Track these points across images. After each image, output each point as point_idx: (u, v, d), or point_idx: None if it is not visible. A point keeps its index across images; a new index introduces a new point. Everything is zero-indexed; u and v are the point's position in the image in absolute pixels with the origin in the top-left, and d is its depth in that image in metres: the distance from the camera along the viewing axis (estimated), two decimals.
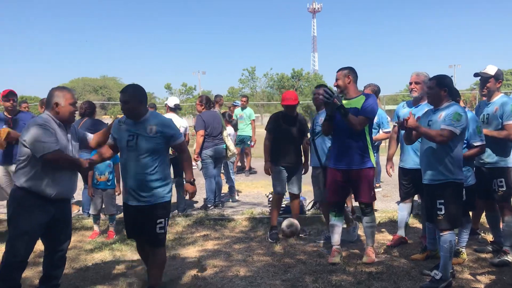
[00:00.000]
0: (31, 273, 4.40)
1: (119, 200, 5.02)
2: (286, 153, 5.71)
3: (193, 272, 4.51)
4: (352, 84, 4.69)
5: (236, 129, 9.96)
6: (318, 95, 5.20)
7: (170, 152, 5.04)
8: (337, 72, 4.72)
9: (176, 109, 7.44)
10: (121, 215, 4.30)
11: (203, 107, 7.49)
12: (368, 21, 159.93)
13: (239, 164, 11.19)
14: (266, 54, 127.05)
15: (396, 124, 4.88)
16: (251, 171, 11.14)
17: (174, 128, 3.80)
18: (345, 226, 5.29)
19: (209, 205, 7.27)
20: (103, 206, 5.96)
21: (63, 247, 3.85)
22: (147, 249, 3.88)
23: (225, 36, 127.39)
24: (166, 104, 7.78)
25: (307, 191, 6.73)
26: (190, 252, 5.19)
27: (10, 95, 5.96)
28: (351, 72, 4.69)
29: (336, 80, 4.71)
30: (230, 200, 7.87)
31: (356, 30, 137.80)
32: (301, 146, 5.88)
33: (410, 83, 4.99)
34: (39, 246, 3.86)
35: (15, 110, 6.08)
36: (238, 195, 8.30)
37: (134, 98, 3.70)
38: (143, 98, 3.77)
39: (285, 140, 5.70)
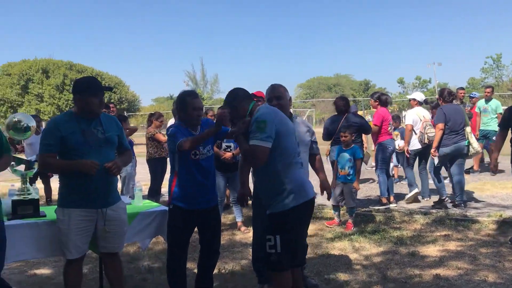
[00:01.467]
0: None
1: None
2: None
3: (435, 271, 4.35)
4: None
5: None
6: None
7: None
8: None
9: (423, 103, 7.43)
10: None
11: (441, 101, 7.15)
12: None
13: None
14: None
15: None
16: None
17: None
18: None
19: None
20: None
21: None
22: None
23: (463, 22, 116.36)
24: (413, 99, 7.74)
25: None
26: (430, 250, 5.01)
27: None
28: None
29: None
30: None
31: None
32: None
33: None
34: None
35: None
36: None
37: None
38: None
39: None
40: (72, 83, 3.91)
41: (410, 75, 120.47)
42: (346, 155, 6.23)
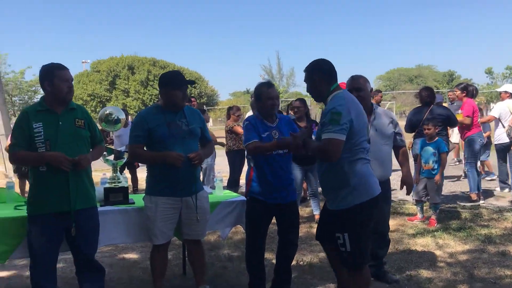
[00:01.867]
0: None
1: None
2: None
3: None
4: None
5: None
6: None
7: None
8: None
9: None
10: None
11: None
12: None
13: None
14: None
15: None
16: None
17: None
18: None
19: None
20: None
21: (384, 229, 4.10)
22: None
23: None
24: (504, 91, 7.30)
25: None
26: None
27: None
28: None
29: None
30: None
31: None
32: None
33: None
34: None
35: None
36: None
37: None
38: None
39: None
40: (158, 78, 4.12)
41: (500, 64, 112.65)
42: (430, 149, 5.96)
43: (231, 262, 4.73)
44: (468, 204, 6.73)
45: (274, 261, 4.04)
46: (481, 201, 6.87)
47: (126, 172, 8.20)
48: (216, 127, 35.99)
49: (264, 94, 3.67)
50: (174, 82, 3.45)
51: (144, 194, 3.58)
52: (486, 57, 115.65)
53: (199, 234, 3.64)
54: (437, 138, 5.99)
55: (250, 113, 7.43)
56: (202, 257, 3.76)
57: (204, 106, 33.16)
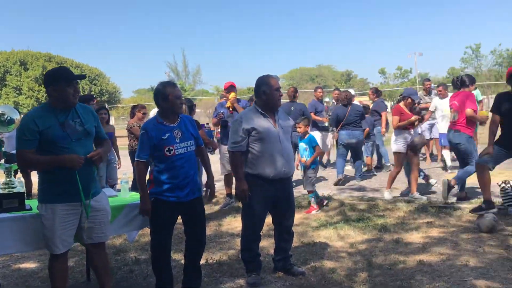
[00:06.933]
0: (268, 244, 4.95)
1: None
2: None
3: (418, 257, 4.45)
4: None
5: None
6: None
7: None
8: None
9: None
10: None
11: None
12: None
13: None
14: (494, 29, 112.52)
15: None
16: None
17: None
18: None
19: None
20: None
21: (288, 224, 4.22)
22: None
23: (444, 12, 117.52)
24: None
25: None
26: (414, 237, 5.11)
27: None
28: None
29: None
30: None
31: None
32: None
33: None
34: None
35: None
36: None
37: None
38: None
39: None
40: (43, 76, 3.85)
41: (392, 65, 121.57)
42: (303, 145, 6.75)
43: (139, 265, 4.61)
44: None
45: (183, 261, 4.00)
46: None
47: (20, 175, 7.63)
48: (119, 126, 34.76)
49: (172, 94, 3.64)
50: (63, 78, 3.24)
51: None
52: (379, 58, 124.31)
53: (102, 237, 3.47)
54: (308, 135, 6.77)
55: (155, 110, 7.27)
56: (106, 261, 3.61)
57: (106, 104, 31.85)
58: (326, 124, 9.76)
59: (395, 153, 7.10)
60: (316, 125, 9.92)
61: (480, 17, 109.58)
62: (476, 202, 6.27)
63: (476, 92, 10.34)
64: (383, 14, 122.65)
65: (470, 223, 5.52)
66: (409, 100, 7.19)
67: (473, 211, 5.50)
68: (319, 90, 10.43)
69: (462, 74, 7.04)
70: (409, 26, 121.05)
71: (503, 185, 6.13)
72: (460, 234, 5.14)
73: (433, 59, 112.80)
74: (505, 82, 5.66)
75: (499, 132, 5.49)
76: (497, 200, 6.13)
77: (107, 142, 3.66)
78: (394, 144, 7.06)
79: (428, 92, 10.53)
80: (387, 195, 7.14)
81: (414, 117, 7.09)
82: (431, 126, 10.07)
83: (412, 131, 7.07)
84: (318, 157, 6.85)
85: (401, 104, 7.19)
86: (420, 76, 50.37)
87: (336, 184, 8.59)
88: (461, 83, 6.69)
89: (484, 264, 4.18)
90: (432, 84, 11.39)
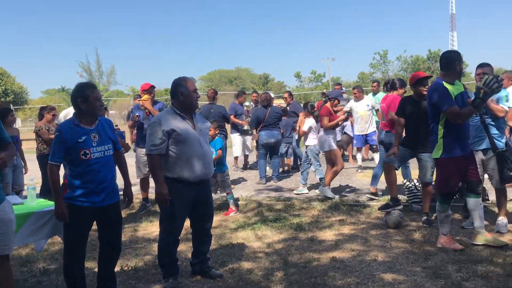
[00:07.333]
0: (185, 248, 4.91)
1: None
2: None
3: (331, 254, 4.64)
4: None
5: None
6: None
7: None
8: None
9: None
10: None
11: None
12: None
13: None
14: (400, 36, 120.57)
15: None
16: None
17: None
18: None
19: None
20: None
21: (207, 226, 4.22)
22: None
23: (355, 20, 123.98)
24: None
25: None
26: (327, 235, 5.33)
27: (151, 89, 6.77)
28: None
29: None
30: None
31: (501, 4, 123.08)
32: None
33: None
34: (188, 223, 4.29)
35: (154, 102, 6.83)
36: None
37: None
38: None
39: (417, 124, 5.59)
40: None
41: (306, 69, 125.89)
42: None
43: (48, 276, 4.36)
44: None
45: (96, 269, 3.84)
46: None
47: None
48: (26, 128, 32.66)
49: (92, 95, 3.53)
50: None
51: None
52: (295, 62, 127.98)
53: (5, 249, 3.20)
54: (216, 137, 6.83)
55: (65, 112, 6.92)
56: (10, 275, 3.35)
57: (11, 105, 29.81)
58: (246, 128, 9.87)
59: (330, 151, 7.30)
60: (236, 128, 10.01)
61: (387, 25, 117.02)
62: (384, 199, 6.66)
63: (382, 96, 11.00)
64: (300, 18, 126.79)
65: (379, 220, 5.85)
66: (336, 101, 7.57)
67: (380, 208, 5.84)
68: (244, 96, 10.74)
69: (393, 78, 7.51)
70: (324, 32, 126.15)
71: (407, 183, 6.58)
72: (370, 231, 5.43)
73: (344, 64, 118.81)
74: (409, 86, 6.06)
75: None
76: (403, 197, 6.55)
77: (11, 146, 3.42)
78: (326, 143, 7.29)
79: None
80: (328, 192, 7.27)
81: (342, 117, 7.48)
82: (343, 127, 10.54)
83: (337, 130, 7.40)
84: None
85: (328, 105, 7.47)
86: (332, 80, 52.58)
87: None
88: (391, 86, 7.09)
89: (391, 258, 4.46)
90: (343, 88, 11.96)
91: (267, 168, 9.94)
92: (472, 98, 4.55)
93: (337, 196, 7.22)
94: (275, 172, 9.21)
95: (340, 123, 7.55)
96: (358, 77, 63.49)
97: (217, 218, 6.09)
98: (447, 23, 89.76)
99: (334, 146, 7.33)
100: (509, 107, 6.55)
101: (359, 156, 9.91)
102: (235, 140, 10.27)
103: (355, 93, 9.74)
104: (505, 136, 5.24)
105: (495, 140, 4.95)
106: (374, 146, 9.49)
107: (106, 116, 4.52)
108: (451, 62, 4.63)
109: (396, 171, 5.84)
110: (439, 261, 4.32)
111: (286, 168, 10.21)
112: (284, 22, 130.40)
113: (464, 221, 5.44)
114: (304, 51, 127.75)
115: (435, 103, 4.55)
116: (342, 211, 6.41)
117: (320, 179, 7.82)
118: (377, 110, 9.79)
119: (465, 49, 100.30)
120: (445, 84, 4.54)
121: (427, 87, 5.54)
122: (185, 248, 4.89)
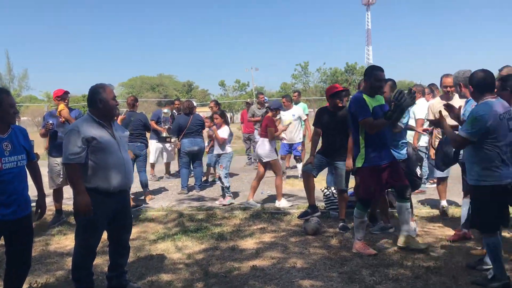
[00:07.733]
0: (101, 261, 4.70)
1: None
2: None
3: (252, 262, 4.66)
4: None
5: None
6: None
7: None
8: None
9: None
10: None
11: None
12: (425, 13, 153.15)
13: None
14: (320, 49, 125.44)
15: None
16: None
17: None
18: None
19: None
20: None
21: (125, 237, 4.07)
22: None
23: (278, 32, 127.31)
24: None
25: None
26: (248, 243, 5.35)
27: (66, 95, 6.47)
28: None
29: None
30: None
31: (412, 22, 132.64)
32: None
33: None
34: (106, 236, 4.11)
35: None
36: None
37: None
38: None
39: (333, 134, 5.83)
40: None
41: (231, 78, 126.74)
42: None
43: None
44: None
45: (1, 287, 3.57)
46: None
47: None
48: None
49: (5, 102, 3.33)
50: None
51: None
52: (219, 70, 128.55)
53: None
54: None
55: None
56: None
57: None
58: (164, 135, 9.68)
59: (273, 161, 7.34)
60: (157, 134, 9.82)
61: (308, 38, 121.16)
62: (303, 207, 6.82)
63: (304, 106, 11.33)
64: (224, 27, 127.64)
65: (298, 227, 5.98)
66: (278, 112, 7.76)
67: (300, 216, 5.97)
68: (177, 102, 11.02)
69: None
70: (248, 42, 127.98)
71: (325, 190, 6.80)
72: (289, 238, 5.54)
73: (268, 74, 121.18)
74: (325, 98, 6.28)
75: None
76: (321, 204, 6.76)
77: None
78: (270, 153, 7.33)
79: (262, 105, 11.20)
80: (283, 203, 7.28)
81: (284, 127, 7.83)
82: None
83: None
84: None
85: (270, 115, 7.54)
86: (256, 89, 53.32)
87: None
88: None
89: (309, 265, 4.57)
90: (266, 97, 12.16)
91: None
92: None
93: (258, 205, 7.30)
94: (197, 182, 9.12)
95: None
96: (280, 87, 64.99)
97: (135, 230, 5.90)
98: (364, 37, 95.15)
99: (275, 156, 7.44)
100: (417, 119, 7.04)
101: (283, 164, 10.08)
102: (151, 146, 10.05)
103: (283, 102, 9.93)
104: (407, 146, 5.58)
105: (393, 152, 5.20)
106: (297, 157, 9.73)
107: (17, 123, 4.25)
108: (368, 76, 4.87)
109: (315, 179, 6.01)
110: (354, 266, 4.49)
111: (210, 177, 10.15)
112: (209, 29, 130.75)
113: (372, 226, 5.73)
114: (228, 60, 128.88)
115: (353, 113, 4.79)
116: (263, 219, 6.47)
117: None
118: (304, 120, 10.09)
119: (380, 63, 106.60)
120: (364, 96, 4.78)
121: (345, 99, 5.83)
122: (101, 261, 4.68)
